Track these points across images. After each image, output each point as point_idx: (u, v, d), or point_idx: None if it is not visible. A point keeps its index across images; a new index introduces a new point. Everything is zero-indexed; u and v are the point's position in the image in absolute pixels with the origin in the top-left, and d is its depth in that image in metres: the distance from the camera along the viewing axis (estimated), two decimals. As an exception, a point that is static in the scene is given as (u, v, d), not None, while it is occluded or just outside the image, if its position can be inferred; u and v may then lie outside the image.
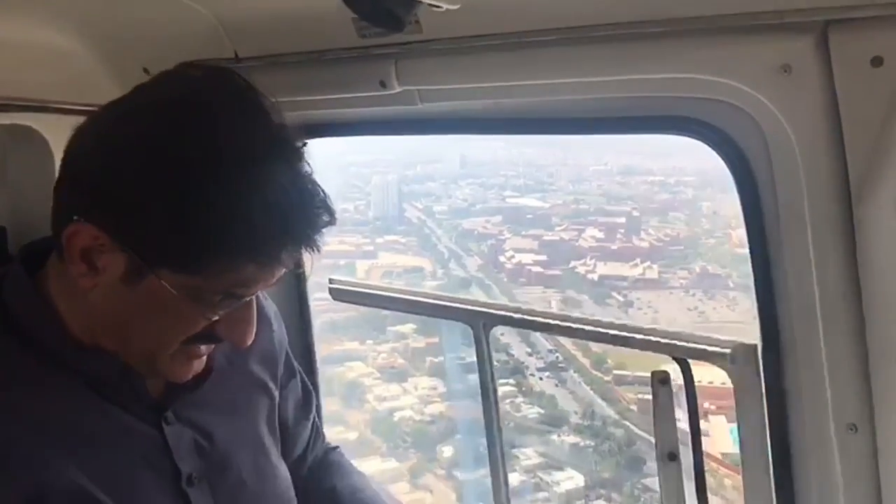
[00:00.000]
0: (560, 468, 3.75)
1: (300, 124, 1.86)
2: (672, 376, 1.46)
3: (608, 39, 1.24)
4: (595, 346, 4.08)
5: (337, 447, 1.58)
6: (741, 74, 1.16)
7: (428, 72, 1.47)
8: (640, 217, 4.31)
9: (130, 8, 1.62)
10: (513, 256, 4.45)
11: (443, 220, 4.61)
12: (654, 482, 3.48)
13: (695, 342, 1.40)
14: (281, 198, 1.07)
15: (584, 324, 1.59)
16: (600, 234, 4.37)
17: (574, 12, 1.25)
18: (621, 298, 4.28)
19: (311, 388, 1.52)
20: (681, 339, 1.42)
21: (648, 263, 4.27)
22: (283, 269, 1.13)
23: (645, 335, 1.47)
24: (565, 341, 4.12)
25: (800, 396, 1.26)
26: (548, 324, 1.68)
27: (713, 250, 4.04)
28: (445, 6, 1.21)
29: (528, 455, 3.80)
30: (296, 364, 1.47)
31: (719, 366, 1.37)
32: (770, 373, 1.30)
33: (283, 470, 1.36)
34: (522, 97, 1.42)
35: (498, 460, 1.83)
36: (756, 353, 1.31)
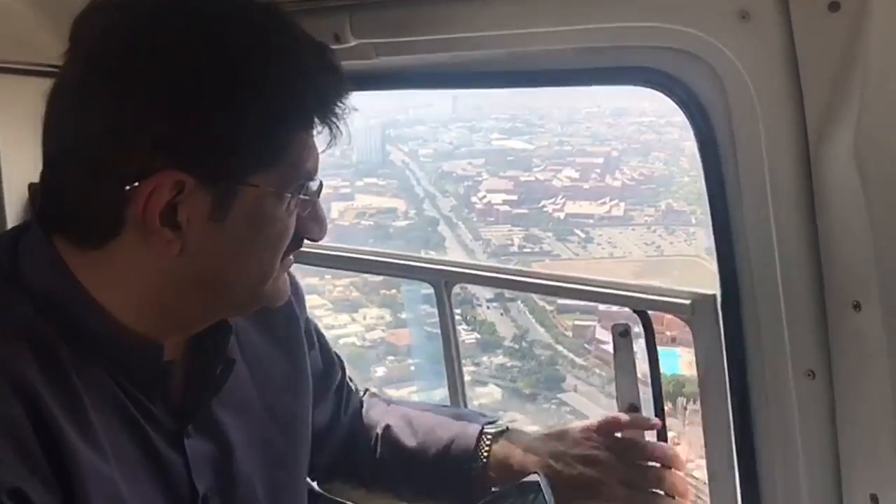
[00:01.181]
0: (484, 384, 3.88)
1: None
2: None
3: (565, -13, 1.22)
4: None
5: (367, 391, 1.57)
6: (699, 22, 1.15)
7: (383, 24, 1.43)
8: (619, 157, 4.36)
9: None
10: (484, 196, 4.50)
11: (426, 164, 4.64)
12: (569, 397, 3.73)
13: (655, 294, 1.40)
14: (313, 62, 1.06)
15: (545, 279, 1.58)
16: (576, 175, 4.42)
17: (531, -39, 1.24)
18: (583, 235, 4.38)
19: (333, 355, 1.49)
20: (641, 291, 1.42)
21: (616, 202, 4.35)
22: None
23: (605, 288, 1.47)
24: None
25: (759, 345, 1.27)
26: (509, 280, 1.67)
27: (684, 188, 4.10)
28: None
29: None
30: (315, 334, 1.43)
31: (679, 317, 1.37)
32: (729, 322, 1.30)
33: (302, 486, 1.35)
34: (480, 49, 1.40)
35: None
36: (715, 303, 1.32)
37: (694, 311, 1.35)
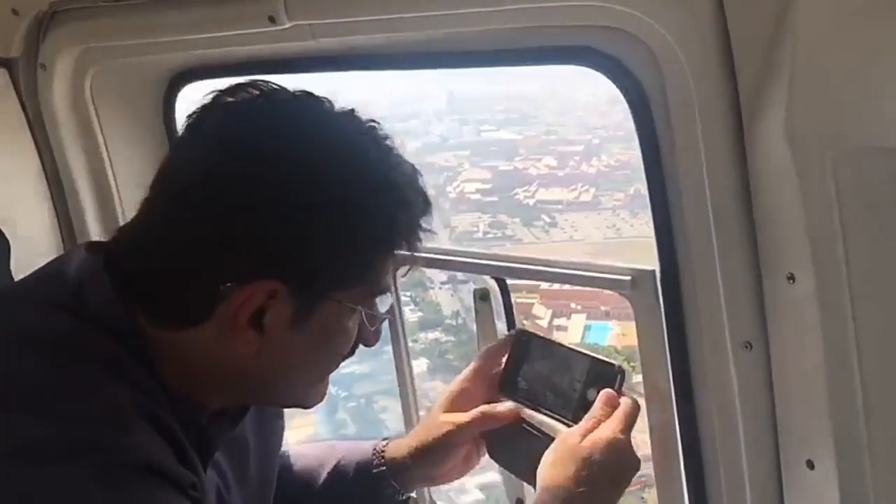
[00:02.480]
0: (415, 358, 3.99)
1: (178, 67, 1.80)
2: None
3: (501, -33, 1.22)
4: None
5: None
6: (634, 0, 1.16)
7: (318, 5, 1.42)
8: (600, 145, 4.41)
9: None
10: (458, 186, 4.54)
11: (411, 156, 4.64)
12: None
13: (596, 271, 1.42)
14: (398, 179, 1.12)
15: (491, 259, 1.59)
16: (554, 163, 4.48)
17: (466, -60, 1.23)
18: (548, 220, 4.50)
19: None
20: (580, 269, 1.44)
21: (587, 188, 4.43)
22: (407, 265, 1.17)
23: (548, 267, 1.48)
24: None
25: (698, 318, 1.29)
26: (456, 261, 1.68)
27: None
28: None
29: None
30: None
31: (620, 292, 1.39)
32: (668, 297, 1.32)
33: None
34: (420, 30, 1.39)
35: (408, 392, 1.83)
36: (655, 279, 1.34)
37: (634, 286, 1.36)
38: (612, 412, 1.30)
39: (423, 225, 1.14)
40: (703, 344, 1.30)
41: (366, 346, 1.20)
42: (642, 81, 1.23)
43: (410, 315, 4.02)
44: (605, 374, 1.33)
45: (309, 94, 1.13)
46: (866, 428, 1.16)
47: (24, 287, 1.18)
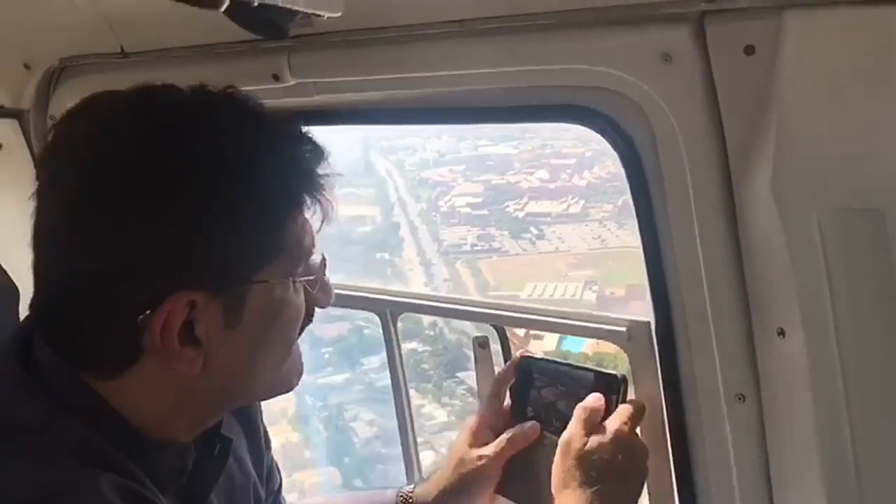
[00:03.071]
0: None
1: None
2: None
3: (497, 32, 1.26)
4: (487, 274, 4.44)
5: None
6: (625, 64, 1.20)
7: (321, 64, 1.46)
8: (593, 158, 4.43)
9: (9, 1, 1.56)
10: (449, 200, 4.57)
11: (409, 172, 4.68)
12: (467, 375, 3.84)
13: (593, 321, 1.45)
14: (274, 136, 1.06)
15: (486, 307, 1.62)
16: (546, 176, 4.51)
17: (463, 5, 1.27)
18: (536, 232, 4.50)
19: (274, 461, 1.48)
20: (578, 319, 1.46)
21: (577, 200, 4.46)
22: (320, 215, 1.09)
23: (545, 317, 1.51)
24: (462, 271, 4.44)
25: (692, 370, 1.32)
26: (453, 309, 1.71)
27: None
28: (326, 14, 1.20)
29: (371, 360, 4.04)
30: (267, 438, 1.41)
31: (616, 343, 1.42)
32: (663, 348, 1.35)
33: None
34: (418, 88, 1.43)
35: (409, 446, 1.85)
36: (650, 330, 1.37)
37: (630, 337, 1.39)
38: (598, 406, 1.33)
39: (320, 171, 1.07)
40: (698, 395, 1.32)
41: (320, 307, 1.14)
42: (634, 140, 1.27)
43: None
44: (609, 384, 1.36)
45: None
46: (857, 478, 1.18)
47: None
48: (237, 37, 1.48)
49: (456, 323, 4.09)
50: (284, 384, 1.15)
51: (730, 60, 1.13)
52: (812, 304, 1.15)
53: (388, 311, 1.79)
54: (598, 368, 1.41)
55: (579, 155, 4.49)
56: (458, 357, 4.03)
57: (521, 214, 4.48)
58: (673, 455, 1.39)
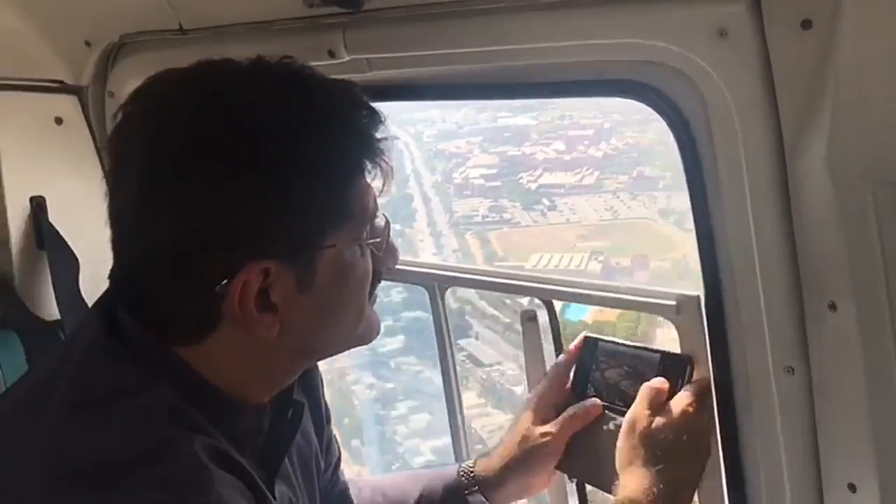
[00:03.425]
0: (393, 335, 4.06)
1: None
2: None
3: (551, 7, 1.27)
4: (496, 245, 4.44)
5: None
6: (680, 39, 1.21)
7: (376, 41, 1.48)
8: (611, 129, 4.40)
9: (71, -20, 1.61)
10: (464, 171, 4.58)
11: (427, 144, 4.70)
12: (468, 342, 3.96)
13: (642, 296, 1.46)
14: (333, 102, 1.09)
15: (534, 281, 1.64)
16: (563, 147, 4.49)
17: (518, -20, 1.29)
18: (548, 203, 4.55)
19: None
20: (627, 293, 1.48)
21: (591, 171, 4.43)
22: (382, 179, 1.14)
23: (594, 290, 1.53)
24: (472, 241, 4.47)
25: (741, 343, 1.33)
26: (500, 283, 1.73)
27: (664, 156, 4.16)
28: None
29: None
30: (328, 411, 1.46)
31: (665, 317, 1.43)
32: (713, 322, 1.36)
33: None
34: (470, 64, 1.45)
35: (458, 421, 1.88)
36: (699, 304, 1.38)
37: (679, 311, 1.40)
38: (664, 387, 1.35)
39: (379, 135, 1.10)
40: (747, 368, 1.33)
41: (386, 269, 1.19)
42: (687, 115, 1.27)
43: (396, 294, 4.06)
44: (675, 365, 1.38)
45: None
46: (908, 453, 1.18)
47: (80, 339, 1.15)
48: (294, 13, 1.51)
49: (462, 292, 4.13)
50: (362, 340, 1.20)
51: (786, 35, 1.13)
52: (865, 278, 1.16)
53: (436, 284, 1.82)
54: (665, 349, 1.43)
55: (597, 126, 4.46)
56: (459, 325, 4.02)
57: (534, 186, 4.50)
58: (720, 428, 1.40)
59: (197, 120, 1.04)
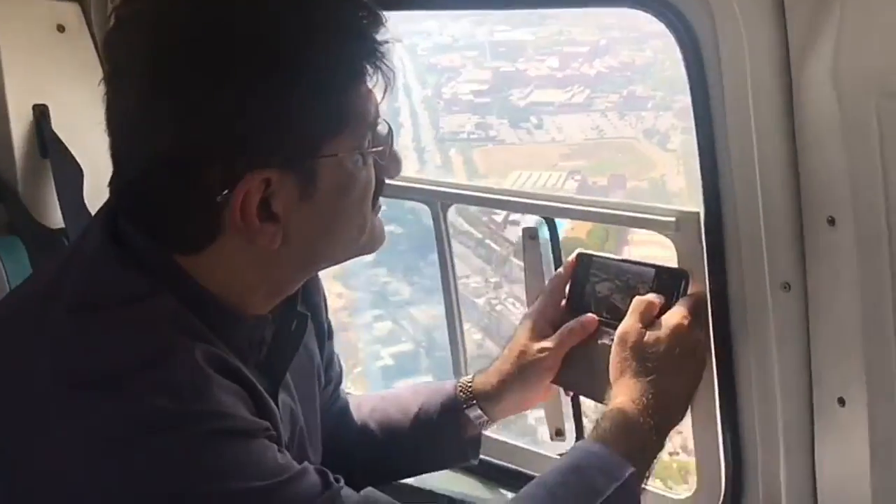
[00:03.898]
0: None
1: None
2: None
3: None
4: (479, 162, 4.41)
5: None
6: (687, -57, 1.18)
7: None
8: (608, 46, 4.33)
9: None
10: (454, 87, 4.54)
11: (420, 57, 4.65)
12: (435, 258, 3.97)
13: (640, 212, 1.46)
14: (346, 9, 1.06)
15: (535, 198, 1.64)
16: (556, 64, 4.43)
17: None
18: (535, 121, 4.46)
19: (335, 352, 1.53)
20: (627, 210, 1.48)
21: (582, 89, 4.38)
22: (384, 85, 1.10)
23: (594, 207, 1.53)
24: (455, 158, 4.42)
25: (739, 259, 1.33)
26: (503, 200, 1.73)
27: (657, 75, 4.13)
28: None
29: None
30: (330, 328, 1.47)
31: (663, 233, 1.43)
32: (711, 238, 1.36)
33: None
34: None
35: (457, 338, 1.89)
36: (699, 221, 1.37)
37: (678, 227, 1.40)
38: (658, 302, 1.35)
39: (379, 38, 1.07)
40: (744, 284, 1.33)
41: (389, 177, 1.18)
42: (694, 25, 1.25)
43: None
44: (670, 280, 1.39)
45: None
46: (898, 369, 1.19)
47: (81, 248, 1.14)
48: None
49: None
50: (365, 249, 1.20)
51: (796, -58, 1.11)
52: (864, 193, 1.15)
53: (439, 202, 1.81)
54: (660, 264, 1.42)
55: (593, 43, 4.36)
56: (430, 239, 4.02)
57: (523, 103, 4.42)
58: (714, 343, 1.41)
59: (194, 21, 1.02)
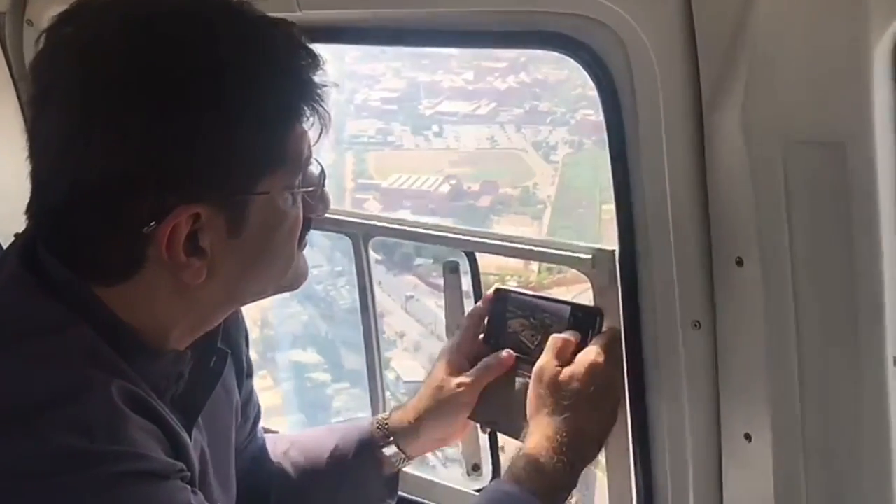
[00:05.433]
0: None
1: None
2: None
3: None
4: (370, 164, 4.65)
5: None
6: (606, -10, 1.22)
7: (306, -22, 1.46)
8: (527, 63, 4.46)
9: None
10: (365, 94, 4.67)
11: (347, 65, 4.70)
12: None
13: (558, 248, 1.48)
14: (272, 44, 1.06)
15: (458, 233, 1.65)
16: (471, 77, 4.56)
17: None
18: (436, 129, 4.65)
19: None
20: (544, 246, 1.50)
21: (489, 102, 4.55)
22: (319, 127, 1.11)
23: (512, 243, 1.55)
24: (348, 160, 4.61)
25: (652, 297, 1.36)
26: (425, 234, 1.73)
27: (567, 93, 4.23)
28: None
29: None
30: (249, 365, 1.45)
31: (580, 270, 1.45)
32: (625, 276, 1.39)
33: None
34: (402, 7, 1.44)
35: (376, 372, 1.88)
36: (614, 258, 1.40)
37: (594, 265, 1.43)
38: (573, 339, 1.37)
39: (318, 80, 1.08)
40: (657, 321, 1.36)
41: (318, 216, 1.18)
42: (611, 69, 1.29)
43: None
44: (585, 318, 1.41)
45: None
46: (801, 403, 1.23)
47: None
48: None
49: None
50: (289, 287, 1.19)
51: (708, -10, 1.15)
52: (770, 235, 1.20)
53: (360, 234, 1.81)
54: (575, 302, 1.45)
55: (514, 60, 4.52)
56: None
57: (429, 112, 4.57)
58: (628, 380, 1.44)
59: (132, 50, 1.00)
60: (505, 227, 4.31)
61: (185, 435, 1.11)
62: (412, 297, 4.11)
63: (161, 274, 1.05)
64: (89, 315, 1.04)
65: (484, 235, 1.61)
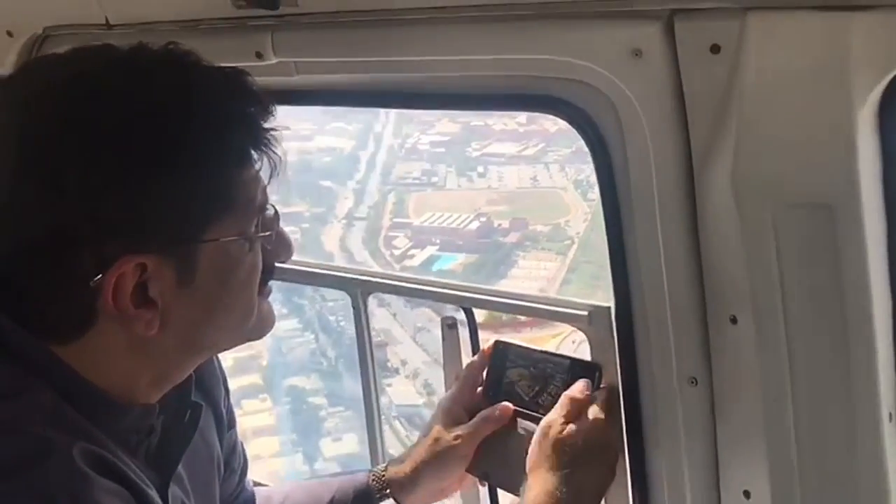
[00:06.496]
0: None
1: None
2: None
3: (476, 20, 1.31)
4: (409, 204, 4.84)
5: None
6: (597, 57, 1.25)
7: (304, 44, 1.50)
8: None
9: (-5, -32, 1.58)
10: (417, 138, 4.85)
11: (403, 111, 4.76)
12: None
13: (556, 305, 1.50)
14: (213, 90, 1.06)
15: (456, 289, 1.67)
16: (524, 120, 4.70)
17: (445, -7, 1.32)
18: (481, 170, 4.83)
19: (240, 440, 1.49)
20: (541, 303, 1.52)
21: (538, 143, 4.73)
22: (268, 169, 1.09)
23: (511, 300, 1.56)
24: (390, 200, 4.83)
25: (648, 353, 1.37)
26: (423, 290, 1.75)
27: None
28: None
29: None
30: (231, 416, 1.43)
31: (577, 327, 1.47)
32: (622, 332, 1.40)
33: None
34: (396, 72, 1.47)
35: (375, 430, 1.89)
36: (610, 315, 1.42)
37: (591, 321, 1.44)
38: (583, 397, 1.37)
39: (265, 123, 1.06)
40: (654, 378, 1.38)
41: (280, 261, 1.15)
42: (602, 131, 1.32)
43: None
44: (584, 372, 1.42)
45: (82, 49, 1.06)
46: (798, 460, 1.24)
47: None
48: (222, 13, 1.51)
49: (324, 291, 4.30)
50: (252, 335, 1.17)
51: (697, 58, 1.18)
52: (763, 294, 1.22)
53: (359, 290, 1.83)
54: (574, 356, 1.46)
55: None
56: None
57: (476, 154, 4.66)
58: (627, 436, 1.44)
59: (68, 102, 1.01)
60: (528, 261, 4.35)
61: (153, 493, 1.08)
62: (423, 328, 4.15)
63: (114, 328, 1.03)
64: (48, 375, 1.03)
65: (481, 291, 1.63)
